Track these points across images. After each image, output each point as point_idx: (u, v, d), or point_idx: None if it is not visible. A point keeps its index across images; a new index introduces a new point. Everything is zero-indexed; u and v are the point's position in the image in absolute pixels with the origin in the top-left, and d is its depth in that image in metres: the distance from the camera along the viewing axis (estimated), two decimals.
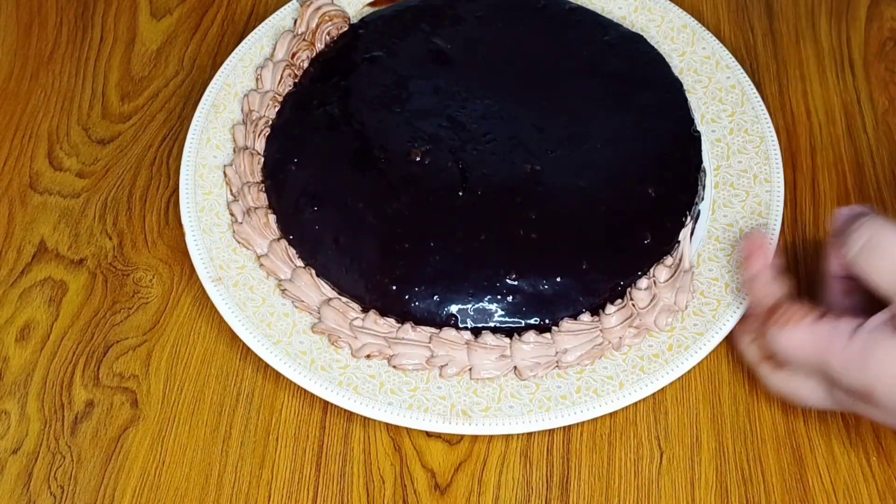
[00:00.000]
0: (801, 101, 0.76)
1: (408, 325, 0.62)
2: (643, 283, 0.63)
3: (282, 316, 0.63)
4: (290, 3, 0.77)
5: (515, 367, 0.61)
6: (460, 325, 0.62)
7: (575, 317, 0.62)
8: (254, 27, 0.79)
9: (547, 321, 0.62)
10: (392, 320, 0.63)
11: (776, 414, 0.62)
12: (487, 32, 0.74)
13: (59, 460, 0.61)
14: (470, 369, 0.61)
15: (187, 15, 0.82)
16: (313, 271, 0.65)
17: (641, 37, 0.74)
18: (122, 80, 0.78)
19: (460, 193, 0.65)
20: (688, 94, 0.71)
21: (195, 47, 0.80)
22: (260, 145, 0.70)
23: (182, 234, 0.67)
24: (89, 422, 0.62)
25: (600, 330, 0.62)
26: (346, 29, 0.75)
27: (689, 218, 0.66)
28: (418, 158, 0.67)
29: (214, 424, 0.62)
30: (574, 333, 0.61)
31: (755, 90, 0.72)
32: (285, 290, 0.64)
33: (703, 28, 0.75)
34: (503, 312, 0.62)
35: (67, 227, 0.70)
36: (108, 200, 0.72)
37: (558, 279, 0.63)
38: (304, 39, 0.74)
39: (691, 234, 0.66)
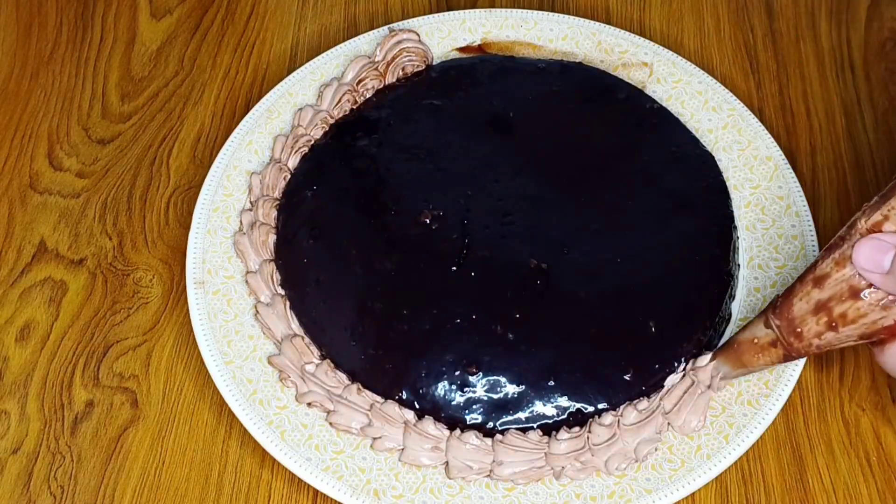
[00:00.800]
0: (801, 100, 0.76)
1: (354, 387, 0.60)
2: (607, 418, 0.58)
3: (246, 337, 0.62)
4: (380, 29, 0.75)
5: (447, 463, 0.57)
6: (404, 403, 0.59)
7: (524, 431, 0.58)
8: (254, 27, 0.79)
9: (493, 426, 0.59)
10: (343, 376, 0.60)
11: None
12: (556, 110, 0.70)
13: (59, 460, 0.61)
14: (401, 450, 0.58)
15: (187, 15, 0.82)
16: (288, 303, 0.63)
17: (712, 158, 0.68)
18: (122, 80, 0.78)
19: (453, 268, 0.62)
20: (739, 231, 0.66)
21: (195, 47, 0.80)
22: (293, 162, 0.69)
23: (183, 235, 0.67)
24: (89, 422, 0.62)
25: (545, 453, 0.57)
26: (421, 68, 0.73)
27: (683, 365, 0.60)
28: (427, 220, 0.64)
29: (214, 424, 0.62)
30: (515, 448, 0.57)
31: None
32: (258, 313, 0.63)
33: (787, 165, 0.68)
34: (452, 404, 0.59)
35: (67, 227, 0.70)
36: (108, 200, 0.72)
37: (519, 387, 0.59)
38: (376, 68, 0.72)
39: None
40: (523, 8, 0.79)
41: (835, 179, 0.72)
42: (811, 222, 0.66)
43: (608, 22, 0.80)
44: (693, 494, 0.59)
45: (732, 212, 0.66)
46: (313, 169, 0.68)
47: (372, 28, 0.79)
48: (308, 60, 0.74)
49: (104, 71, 0.79)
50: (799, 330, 0.54)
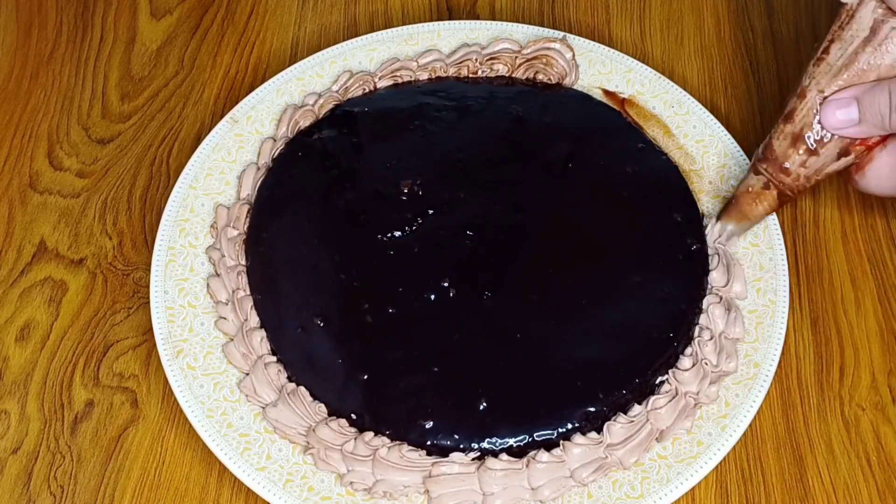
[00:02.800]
0: None
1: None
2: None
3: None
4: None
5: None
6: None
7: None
8: (254, 26, 0.80)
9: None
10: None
11: (776, 414, 0.62)
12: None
13: (58, 460, 0.61)
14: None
15: (187, 15, 0.82)
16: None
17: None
18: (122, 79, 0.78)
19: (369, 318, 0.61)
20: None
21: (195, 47, 0.80)
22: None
23: None
24: (89, 422, 0.62)
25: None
26: (551, 81, 0.73)
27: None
28: (406, 189, 0.65)
29: None
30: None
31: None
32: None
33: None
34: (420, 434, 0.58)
35: (67, 227, 0.70)
36: (108, 200, 0.72)
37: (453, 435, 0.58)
38: (491, 58, 0.74)
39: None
40: (522, 16, 0.79)
41: (835, 179, 0.71)
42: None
43: (607, 21, 0.80)
44: (693, 494, 0.59)
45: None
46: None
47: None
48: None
49: (104, 71, 0.79)
50: (785, 165, 0.60)
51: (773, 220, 0.65)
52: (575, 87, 0.72)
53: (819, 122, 0.58)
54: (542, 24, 0.79)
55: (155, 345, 0.65)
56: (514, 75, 0.73)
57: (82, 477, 0.60)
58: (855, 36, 0.58)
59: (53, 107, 0.76)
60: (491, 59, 0.73)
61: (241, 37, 0.80)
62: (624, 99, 0.71)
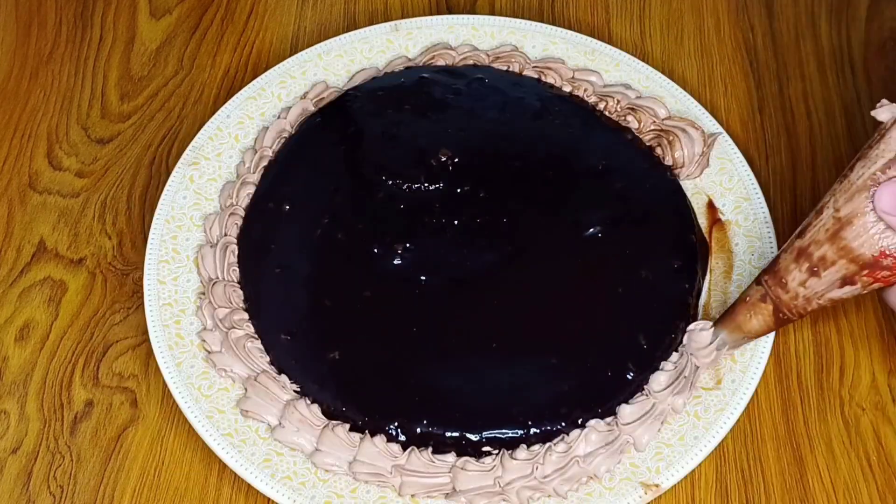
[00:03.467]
0: (802, 100, 0.76)
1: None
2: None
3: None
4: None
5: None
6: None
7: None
8: (253, 26, 0.80)
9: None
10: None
11: (776, 414, 0.62)
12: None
13: (58, 460, 0.61)
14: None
15: (187, 14, 0.82)
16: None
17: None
18: (121, 79, 0.78)
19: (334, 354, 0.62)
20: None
21: (195, 47, 0.80)
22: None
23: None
24: (89, 422, 0.62)
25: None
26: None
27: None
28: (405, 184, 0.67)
29: None
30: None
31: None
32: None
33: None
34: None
35: (67, 227, 0.70)
36: (107, 200, 0.72)
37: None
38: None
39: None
40: (522, 15, 0.79)
41: (835, 179, 0.71)
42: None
43: (607, 21, 0.80)
44: (693, 494, 0.59)
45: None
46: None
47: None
48: None
49: (104, 70, 0.79)
50: (784, 280, 0.56)
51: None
52: (689, 179, 0.69)
53: (828, 242, 0.53)
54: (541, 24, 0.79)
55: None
56: (641, 133, 0.70)
57: (82, 477, 0.60)
58: (880, 156, 0.52)
59: (53, 106, 0.76)
60: (632, 108, 0.71)
61: (240, 36, 0.80)
62: (717, 220, 0.67)
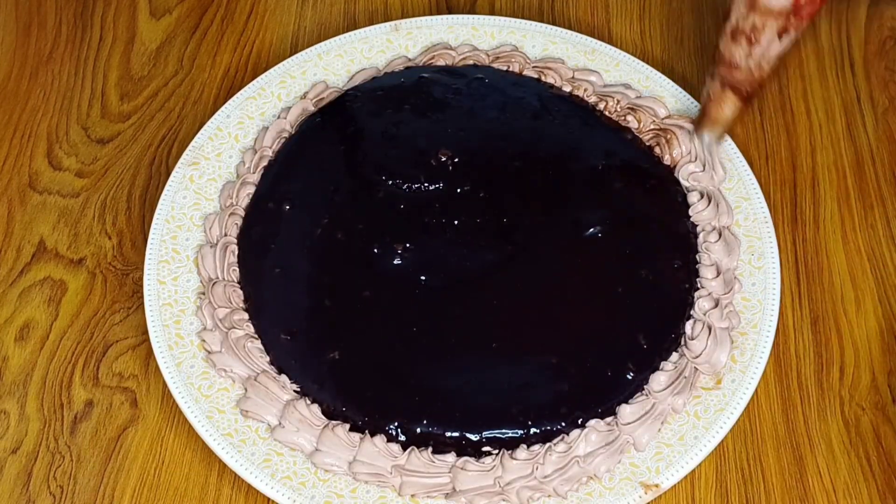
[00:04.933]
0: (801, 99, 0.76)
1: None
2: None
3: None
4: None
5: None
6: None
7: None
8: (253, 26, 0.79)
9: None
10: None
11: (776, 414, 0.62)
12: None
13: (58, 460, 0.61)
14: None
15: (186, 14, 0.82)
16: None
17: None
18: (121, 79, 0.78)
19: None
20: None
21: (194, 46, 0.80)
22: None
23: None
24: (89, 422, 0.62)
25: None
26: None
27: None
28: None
29: None
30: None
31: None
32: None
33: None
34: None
35: (67, 227, 0.70)
36: (107, 200, 0.72)
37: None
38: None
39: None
40: (522, 15, 0.79)
41: (835, 179, 0.71)
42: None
43: (607, 20, 0.80)
44: (693, 494, 0.59)
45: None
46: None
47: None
48: None
49: (103, 70, 0.79)
50: (732, 61, 0.63)
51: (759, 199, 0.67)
52: (681, 179, 0.69)
53: (751, 11, 0.60)
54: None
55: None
56: (641, 132, 0.70)
57: (82, 477, 0.60)
58: None
59: (53, 106, 0.76)
60: (632, 108, 0.71)
61: (240, 36, 0.80)
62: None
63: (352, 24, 0.81)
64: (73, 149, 0.74)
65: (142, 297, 0.65)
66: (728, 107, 0.65)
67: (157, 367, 0.64)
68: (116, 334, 0.66)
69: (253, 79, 0.74)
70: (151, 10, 0.82)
